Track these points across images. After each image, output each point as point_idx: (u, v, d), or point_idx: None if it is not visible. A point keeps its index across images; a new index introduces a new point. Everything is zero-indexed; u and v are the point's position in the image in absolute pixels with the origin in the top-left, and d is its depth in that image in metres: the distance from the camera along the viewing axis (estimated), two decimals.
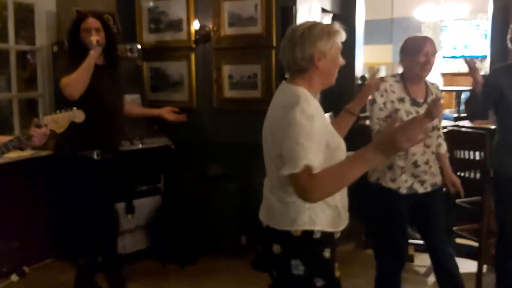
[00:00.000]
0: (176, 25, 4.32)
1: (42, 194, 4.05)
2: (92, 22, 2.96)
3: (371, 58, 9.14)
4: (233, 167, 4.15)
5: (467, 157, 3.53)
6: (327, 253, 1.84)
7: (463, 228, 3.72)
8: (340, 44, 1.85)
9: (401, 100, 2.68)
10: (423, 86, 2.74)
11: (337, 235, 1.90)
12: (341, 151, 1.85)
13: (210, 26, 4.23)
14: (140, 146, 3.90)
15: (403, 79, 2.72)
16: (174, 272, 3.87)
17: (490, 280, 3.57)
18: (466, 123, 4.29)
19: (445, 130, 3.29)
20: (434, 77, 9.30)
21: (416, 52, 2.63)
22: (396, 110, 2.67)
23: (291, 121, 1.69)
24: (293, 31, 1.83)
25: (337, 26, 1.85)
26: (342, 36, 1.84)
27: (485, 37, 7.97)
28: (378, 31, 9.11)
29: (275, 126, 1.78)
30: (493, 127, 3.99)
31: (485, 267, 3.55)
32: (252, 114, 4.01)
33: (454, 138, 3.55)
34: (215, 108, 4.29)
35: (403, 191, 2.69)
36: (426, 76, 2.73)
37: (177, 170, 4.21)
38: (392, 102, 2.68)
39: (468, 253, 3.82)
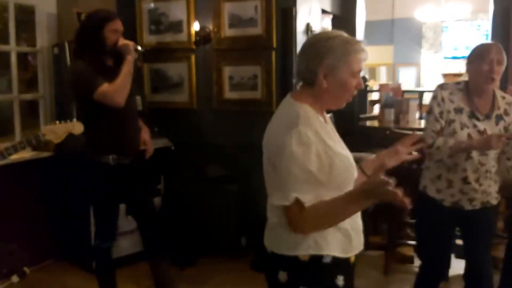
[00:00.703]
0: (176, 27, 4.32)
1: (42, 195, 4.06)
2: (120, 25, 2.93)
3: (372, 59, 9.11)
4: (232, 168, 4.15)
5: None
6: (340, 281, 1.69)
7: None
8: (360, 66, 1.67)
9: (459, 110, 2.52)
10: (489, 98, 2.53)
11: (353, 260, 1.75)
12: (350, 172, 1.72)
13: (211, 27, 4.23)
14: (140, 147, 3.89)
15: (467, 87, 2.55)
16: (173, 273, 3.87)
17: None
18: None
19: None
20: (434, 78, 9.36)
21: (480, 60, 2.45)
22: (451, 122, 2.52)
23: (286, 147, 1.57)
24: (309, 39, 1.72)
25: (359, 44, 1.67)
26: (362, 55, 1.66)
27: (486, 38, 7.96)
28: (379, 31, 9.12)
29: (271, 146, 1.67)
30: None
31: None
32: (252, 115, 4.03)
33: None
34: (215, 109, 4.30)
35: (447, 204, 2.60)
36: (490, 87, 2.49)
37: (177, 171, 4.21)
38: (449, 112, 2.53)
39: None
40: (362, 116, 5.19)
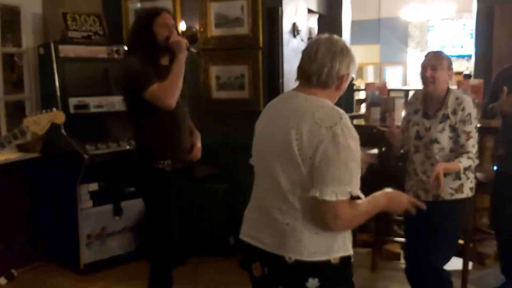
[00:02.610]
0: None
1: (30, 197, 4.04)
2: (169, 18, 2.80)
3: (359, 58, 9.17)
4: (221, 168, 4.16)
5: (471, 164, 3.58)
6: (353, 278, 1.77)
7: None
8: None
9: (416, 111, 2.81)
10: (438, 98, 2.72)
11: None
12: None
13: (197, 27, 4.24)
14: (128, 147, 3.89)
15: (426, 92, 2.78)
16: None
17: (475, 277, 3.63)
18: None
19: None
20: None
21: (420, 66, 2.74)
22: (409, 121, 2.82)
23: (340, 140, 1.57)
24: (331, 43, 1.74)
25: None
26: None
27: (471, 36, 8.06)
28: (366, 31, 9.18)
29: (311, 143, 1.59)
30: (477, 125, 4.05)
31: (470, 264, 3.60)
32: (240, 115, 4.04)
33: None
34: (203, 109, 4.30)
35: (410, 193, 2.73)
36: (429, 89, 2.70)
37: None
38: (409, 113, 2.85)
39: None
40: (349, 114, 5.23)
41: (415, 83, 9.12)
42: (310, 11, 4.81)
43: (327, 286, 1.66)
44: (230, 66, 4.16)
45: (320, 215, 1.60)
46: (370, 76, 10.34)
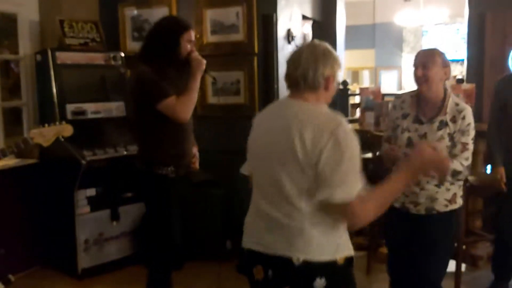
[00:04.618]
0: None
1: (28, 202, 4.06)
2: (193, 35, 2.86)
3: (354, 62, 9.27)
4: (217, 173, 4.19)
5: None
6: None
7: None
8: None
9: (405, 116, 2.59)
10: (437, 103, 2.52)
11: None
12: None
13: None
14: (125, 152, 3.93)
15: (418, 94, 2.59)
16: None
17: (468, 279, 3.67)
18: None
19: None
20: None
21: (413, 66, 2.57)
22: (396, 127, 2.60)
23: (342, 142, 1.64)
24: (313, 47, 1.81)
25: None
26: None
27: (465, 41, 8.13)
28: (361, 36, 9.25)
29: (315, 149, 1.64)
30: None
31: (463, 267, 3.64)
32: (236, 120, 4.08)
33: None
34: (199, 114, 4.32)
35: (396, 204, 2.60)
36: (422, 89, 2.51)
37: None
38: (397, 118, 2.62)
39: None
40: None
41: (410, 87, 9.19)
42: (304, 17, 4.86)
43: (334, 286, 1.70)
44: (225, 72, 4.20)
45: (337, 216, 1.68)
46: (366, 81, 10.40)
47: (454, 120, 2.49)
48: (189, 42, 2.81)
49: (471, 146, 2.50)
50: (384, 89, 6.14)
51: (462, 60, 7.40)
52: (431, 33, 9.65)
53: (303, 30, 4.83)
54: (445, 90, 2.55)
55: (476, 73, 4.56)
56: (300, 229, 1.69)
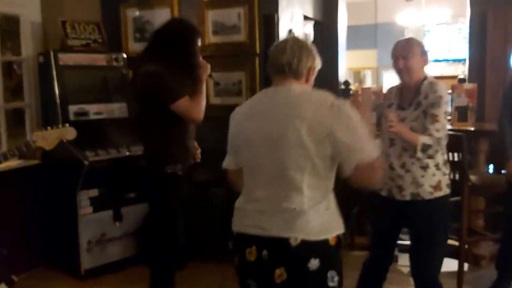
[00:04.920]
0: None
1: (30, 203, 4.08)
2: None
3: (356, 63, 9.26)
4: (219, 173, 4.19)
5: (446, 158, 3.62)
6: None
7: None
8: None
9: (390, 105, 2.71)
10: (412, 89, 2.61)
11: None
12: None
13: None
14: (127, 153, 3.94)
15: (402, 84, 2.69)
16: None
17: (471, 279, 3.67)
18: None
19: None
20: None
21: (391, 57, 2.65)
22: (380, 116, 2.75)
23: (348, 112, 1.78)
24: (297, 39, 1.94)
25: None
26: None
27: (467, 41, 8.12)
28: (362, 36, 9.23)
29: (321, 125, 1.74)
30: (472, 129, 4.11)
31: (466, 266, 3.64)
32: None
33: None
34: None
35: (384, 193, 2.66)
36: (404, 79, 2.60)
37: None
38: (383, 108, 2.76)
39: (449, 252, 3.90)
40: None
41: None
42: (306, 17, 4.86)
43: (326, 266, 1.77)
44: (227, 73, 4.20)
45: (368, 176, 1.81)
46: (368, 80, 10.40)
47: (426, 97, 2.56)
48: (198, 46, 2.89)
49: (442, 119, 2.52)
50: (385, 90, 6.12)
51: (464, 60, 7.41)
52: (433, 33, 9.63)
53: (305, 31, 4.83)
54: (425, 76, 2.63)
55: (478, 72, 4.56)
56: (300, 210, 1.76)
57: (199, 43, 2.92)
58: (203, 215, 4.08)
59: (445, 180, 2.63)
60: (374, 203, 2.80)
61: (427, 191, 2.57)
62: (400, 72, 2.61)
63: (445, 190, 2.63)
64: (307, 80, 1.91)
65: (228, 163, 2.04)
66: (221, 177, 4.13)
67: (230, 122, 2.03)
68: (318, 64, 1.93)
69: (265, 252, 1.80)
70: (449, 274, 3.57)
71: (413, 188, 2.58)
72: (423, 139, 2.50)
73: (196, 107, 2.80)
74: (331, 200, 1.84)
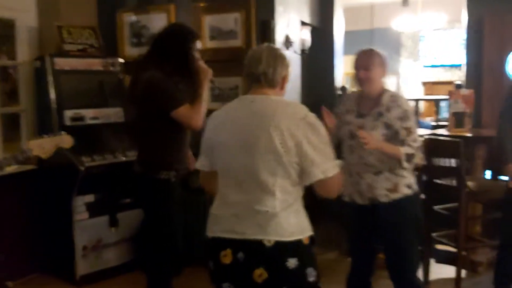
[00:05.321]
0: None
1: (26, 209, 4.05)
2: (200, 44, 2.92)
3: (353, 68, 9.28)
4: None
5: (443, 164, 3.62)
6: None
7: (442, 234, 3.80)
8: None
9: (349, 111, 2.77)
10: (373, 98, 2.69)
11: None
12: None
13: None
14: (124, 158, 3.92)
15: (361, 91, 2.77)
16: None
17: (468, 285, 3.66)
18: (443, 131, 4.38)
19: (422, 139, 3.33)
20: (414, 86, 9.51)
21: (353, 67, 2.74)
22: (342, 121, 2.76)
23: (316, 125, 1.87)
24: (272, 48, 2.03)
25: None
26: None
27: (464, 47, 8.14)
28: (359, 41, 9.20)
29: (291, 136, 1.83)
30: (469, 134, 4.11)
31: (463, 272, 3.63)
32: None
33: (431, 146, 3.64)
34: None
35: (346, 198, 2.75)
36: (366, 89, 2.69)
37: None
38: (342, 113, 2.81)
39: (447, 258, 3.90)
40: None
41: (408, 92, 9.21)
42: (303, 23, 4.86)
43: (304, 264, 1.86)
44: (224, 78, 4.19)
45: (325, 192, 1.92)
46: None
47: (388, 109, 2.64)
48: (197, 51, 2.85)
49: (415, 130, 2.65)
50: (345, 95, 6.11)
51: (460, 66, 7.42)
52: (429, 38, 9.67)
53: (302, 36, 4.83)
54: (383, 87, 2.71)
55: (474, 78, 4.56)
56: (272, 213, 1.84)
57: (199, 47, 2.89)
58: (200, 221, 4.06)
59: (404, 182, 2.67)
60: (342, 210, 2.86)
61: (383, 194, 2.65)
62: (361, 81, 2.69)
63: (404, 191, 2.67)
64: (281, 88, 2.00)
65: (202, 164, 2.08)
66: None
67: (206, 125, 2.10)
68: (290, 72, 2.03)
69: (240, 254, 1.88)
70: (447, 280, 3.57)
71: (369, 192, 2.68)
72: (405, 150, 2.57)
73: (196, 114, 2.75)
74: (300, 203, 1.93)
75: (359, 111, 2.73)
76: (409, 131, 2.61)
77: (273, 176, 1.84)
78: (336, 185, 1.92)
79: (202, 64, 2.86)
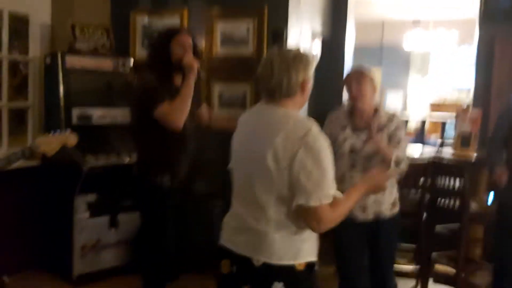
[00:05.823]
0: None
1: (28, 204, 4.05)
2: (187, 38, 2.84)
3: None
4: (218, 185, 4.18)
5: (446, 186, 3.61)
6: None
7: (442, 255, 3.78)
8: None
9: (343, 127, 2.79)
10: (366, 114, 2.75)
11: None
12: None
13: (203, 44, 4.29)
14: (128, 160, 3.92)
15: (352, 107, 2.81)
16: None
17: None
18: (449, 150, 4.37)
19: (426, 161, 3.34)
20: (421, 106, 9.50)
21: (344, 83, 2.79)
22: (336, 139, 2.72)
23: (313, 148, 1.68)
24: (282, 55, 1.82)
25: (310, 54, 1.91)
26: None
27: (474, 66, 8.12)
28: (368, 56, 9.24)
29: (286, 154, 1.69)
30: (473, 155, 4.10)
31: None
32: None
33: (435, 168, 3.64)
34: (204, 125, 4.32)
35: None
36: (358, 104, 2.74)
37: None
38: (334, 132, 2.78)
39: (446, 279, 3.87)
40: None
41: (415, 108, 9.21)
42: (314, 34, 4.87)
43: None
44: (232, 85, 4.20)
45: (305, 221, 1.72)
46: None
47: (390, 120, 2.76)
48: (180, 45, 2.80)
49: (405, 139, 2.80)
50: (389, 109, 6.09)
51: (469, 89, 7.42)
52: (439, 56, 9.67)
53: (313, 47, 4.83)
54: (376, 104, 2.81)
55: (482, 99, 4.55)
56: (264, 232, 1.74)
57: (182, 42, 2.80)
58: (201, 227, 4.05)
59: (397, 197, 2.82)
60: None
61: (388, 208, 2.74)
62: (353, 98, 2.74)
63: (398, 206, 2.81)
64: (303, 92, 1.83)
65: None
66: (221, 189, 4.15)
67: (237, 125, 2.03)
68: (311, 70, 1.84)
69: (234, 268, 1.83)
70: None
71: (375, 206, 2.71)
72: (396, 152, 2.66)
73: (174, 111, 2.67)
74: (302, 226, 1.76)
75: (355, 125, 2.76)
76: (400, 140, 2.71)
77: (268, 193, 1.75)
78: (320, 219, 1.69)
79: (187, 59, 2.77)
